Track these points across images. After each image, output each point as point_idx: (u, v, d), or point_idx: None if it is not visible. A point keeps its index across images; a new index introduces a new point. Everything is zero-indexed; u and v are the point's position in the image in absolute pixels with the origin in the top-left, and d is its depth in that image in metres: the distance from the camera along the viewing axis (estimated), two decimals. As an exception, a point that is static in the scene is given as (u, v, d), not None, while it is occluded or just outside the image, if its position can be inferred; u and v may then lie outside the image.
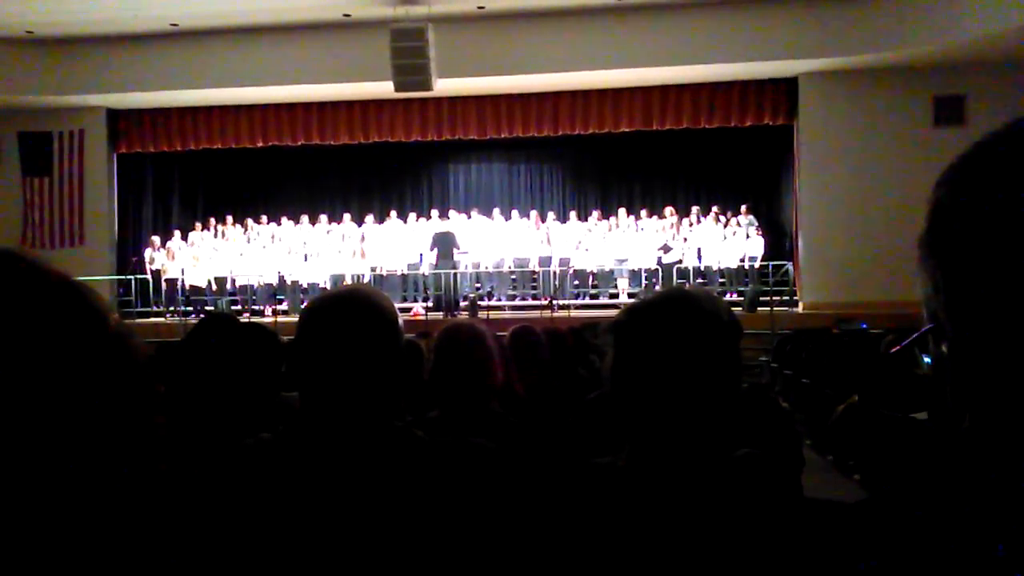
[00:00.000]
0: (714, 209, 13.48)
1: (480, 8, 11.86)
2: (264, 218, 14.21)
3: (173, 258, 13.32)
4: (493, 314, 11.74)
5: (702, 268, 13.18)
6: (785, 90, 12.83)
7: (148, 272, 13.44)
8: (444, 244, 12.42)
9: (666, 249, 12.84)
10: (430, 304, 12.74)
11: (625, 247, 13.08)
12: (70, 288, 0.58)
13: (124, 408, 0.58)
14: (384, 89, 11.92)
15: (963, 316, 0.57)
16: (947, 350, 0.59)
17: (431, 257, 12.67)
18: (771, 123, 13.12)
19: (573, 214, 14.06)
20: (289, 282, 13.24)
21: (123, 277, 13.57)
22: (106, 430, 0.56)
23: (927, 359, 0.62)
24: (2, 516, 0.51)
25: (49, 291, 0.56)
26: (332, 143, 13.96)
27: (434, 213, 14.02)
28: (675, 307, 1.19)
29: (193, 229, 13.97)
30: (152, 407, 0.61)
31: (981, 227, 0.55)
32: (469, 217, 13.82)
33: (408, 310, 12.48)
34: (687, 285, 12.34)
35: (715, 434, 1.18)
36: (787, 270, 12.86)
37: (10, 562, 0.51)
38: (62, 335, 0.55)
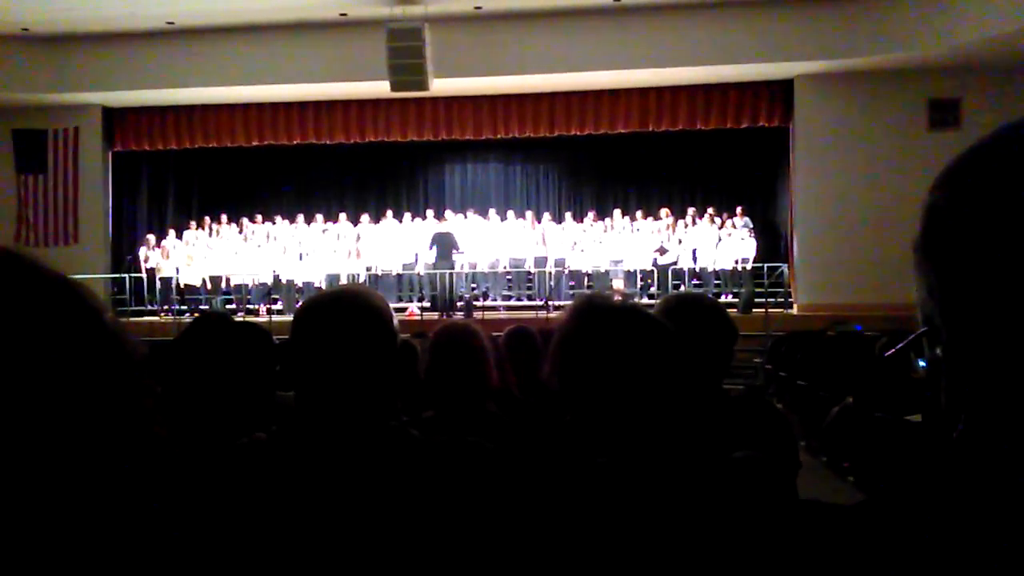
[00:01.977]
0: (709, 211, 13.50)
1: (477, 8, 11.86)
2: (259, 217, 14.18)
3: (168, 257, 13.29)
4: (488, 314, 11.74)
5: (697, 269, 13.20)
6: (781, 92, 12.86)
7: (143, 271, 13.40)
8: (444, 244, 12.41)
9: (662, 251, 12.86)
10: (425, 304, 12.73)
11: (621, 248, 13.09)
12: (66, 287, 0.58)
13: (120, 407, 0.57)
14: (380, 88, 11.91)
15: (958, 319, 0.57)
16: (942, 353, 0.60)
17: (429, 257, 12.66)
18: (767, 125, 13.15)
19: (569, 215, 14.07)
20: (284, 281, 13.21)
21: (117, 276, 13.54)
22: (102, 429, 0.56)
23: (922, 363, 0.62)
24: None
25: (45, 290, 0.56)
26: (328, 142, 13.95)
27: (429, 213, 14.02)
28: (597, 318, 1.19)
29: (188, 228, 13.93)
30: (148, 407, 0.61)
31: (976, 231, 0.55)
32: (465, 217, 13.82)
33: (403, 310, 12.48)
34: (682, 287, 12.38)
35: (693, 434, 1.18)
36: (782, 272, 12.89)
37: (8, 562, 0.51)
38: (58, 334, 0.55)
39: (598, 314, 1.20)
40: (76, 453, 0.55)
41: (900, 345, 0.65)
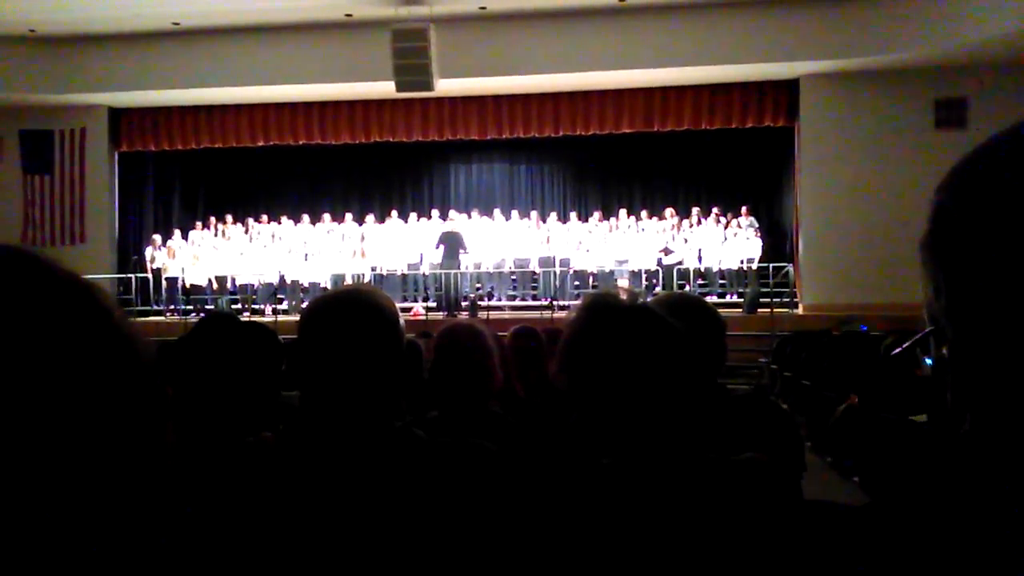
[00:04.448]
0: (714, 210, 13.48)
1: (482, 8, 11.86)
2: (265, 217, 14.22)
3: (174, 257, 13.33)
4: (493, 314, 11.74)
5: (702, 269, 13.18)
6: (786, 92, 12.83)
7: (149, 271, 13.45)
8: (452, 243, 12.42)
9: (666, 252, 12.85)
10: (430, 304, 12.74)
11: (626, 248, 13.09)
12: (80, 287, 0.58)
13: (133, 409, 0.58)
14: (385, 89, 11.92)
15: (963, 319, 0.57)
16: (947, 353, 0.59)
17: (437, 256, 12.67)
18: (772, 125, 13.11)
19: (574, 215, 14.07)
20: (289, 281, 13.24)
21: (124, 276, 13.57)
22: (114, 431, 0.56)
23: (928, 360, 0.62)
24: (6, 518, 0.51)
25: (60, 290, 0.56)
26: (333, 143, 13.97)
27: (435, 213, 14.03)
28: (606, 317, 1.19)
29: (194, 228, 13.97)
30: (160, 409, 0.61)
31: (983, 231, 0.55)
32: (469, 217, 13.83)
33: (408, 310, 12.49)
34: (687, 287, 12.36)
35: (698, 434, 1.18)
36: (787, 272, 12.86)
37: (11, 563, 0.51)
38: (73, 335, 0.55)
39: (608, 313, 1.20)
40: (87, 454, 0.55)
41: (907, 344, 0.65)
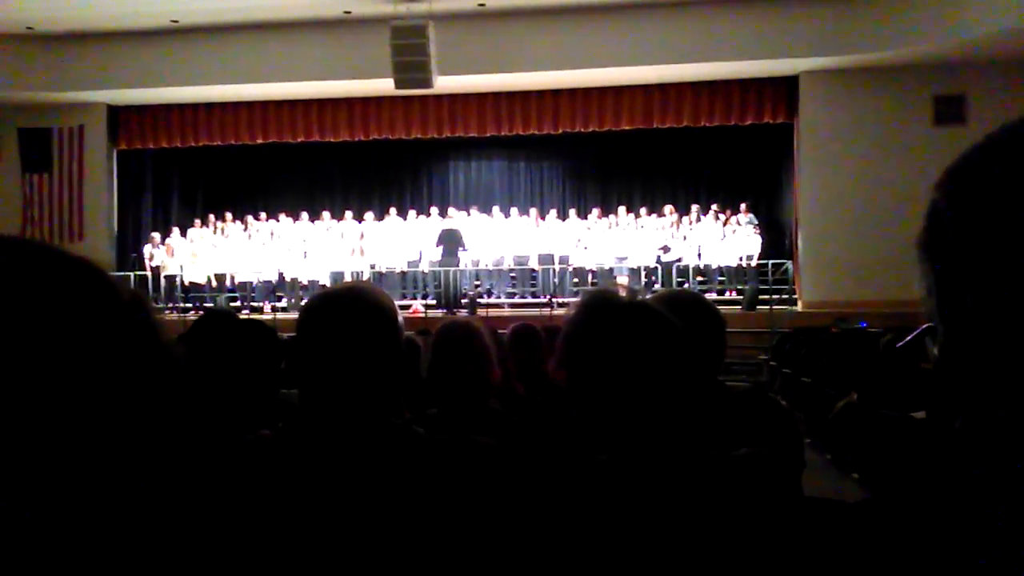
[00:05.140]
0: (714, 207, 13.47)
1: (481, 5, 11.85)
2: (263, 215, 14.21)
3: (172, 254, 13.32)
4: (492, 312, 11.74)
5: (701, 266, 13.18)
6: (785, 88, 12.82)
7: (147, 268, 13.44)
8: (451, 241, 12.42)
9: (665, 250, 12.85)
10: (429, 301, 12.74)
11: (625, 245, 13.08)
12: (142, 308, 0.58)
13: (167, 412, 0.58)
14: (384, 86, 11.91)
15: (952, 318, 0.57)
16: (938, 351, 0.59)
17: (436, 253, 12.66)
18: (771, 121, 13.11)
19: (573, 212, 14.05)
20: (288, 279, 13.24)
21: (122, 274, 13.55)
22: (148, 432, 0.57)
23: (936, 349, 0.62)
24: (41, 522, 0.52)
25: (124, 311, 0.57)
26: (332, 140, 13.96)
27: (434, 211, 14.02)
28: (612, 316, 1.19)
29: (192, 226, 13.96)
30: (189, 427, 0.62)
31: (973, 232, 0.54)
32: (469, 214, 13.82)
33: (407, 307, 12.49)
34: (687, 284, 12.36)
35: (697, 431, 1.18)
36: (787, 268, 12.86)
37: (12, 559, 0.51)
38: (134, 357, 0.56)
39: (607, 310, 1.20)
40: (120, 452, 0.55)
41: (909, 338, 0.65)
